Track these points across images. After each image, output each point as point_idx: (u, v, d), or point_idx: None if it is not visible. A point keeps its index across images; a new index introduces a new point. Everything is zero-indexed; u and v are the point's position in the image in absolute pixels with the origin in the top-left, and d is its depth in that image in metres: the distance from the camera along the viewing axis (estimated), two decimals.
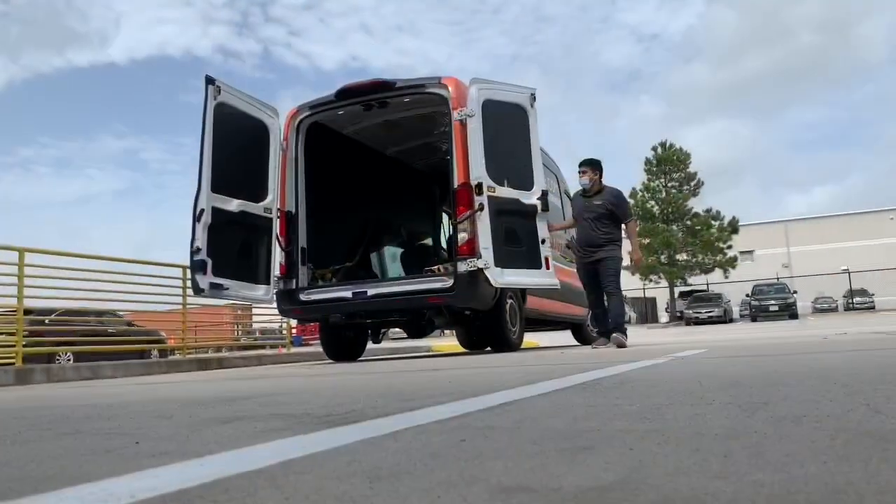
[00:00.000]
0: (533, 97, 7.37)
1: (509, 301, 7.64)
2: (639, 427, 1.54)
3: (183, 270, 9.76)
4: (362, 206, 9.52)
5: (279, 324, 15.78)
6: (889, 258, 50.33)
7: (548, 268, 7.17)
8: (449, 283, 7.00)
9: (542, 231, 7.19)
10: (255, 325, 21.12)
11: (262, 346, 17.37)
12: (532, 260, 7.12)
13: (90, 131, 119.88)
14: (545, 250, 7.17)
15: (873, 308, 42.58)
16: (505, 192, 7.06)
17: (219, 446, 1.59)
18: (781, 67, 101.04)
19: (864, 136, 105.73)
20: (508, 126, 7.30)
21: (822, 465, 1.06)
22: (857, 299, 43.52)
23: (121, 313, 13.20)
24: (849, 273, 40.84)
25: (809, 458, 1.11)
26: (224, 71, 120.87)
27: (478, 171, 6.90)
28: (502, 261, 6.91)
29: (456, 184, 7.05)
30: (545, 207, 7.21)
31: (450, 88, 7.20)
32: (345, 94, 7.72)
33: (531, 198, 7.14)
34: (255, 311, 17.35)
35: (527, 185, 7.22)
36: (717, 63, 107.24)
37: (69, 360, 13.11)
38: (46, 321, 11.30)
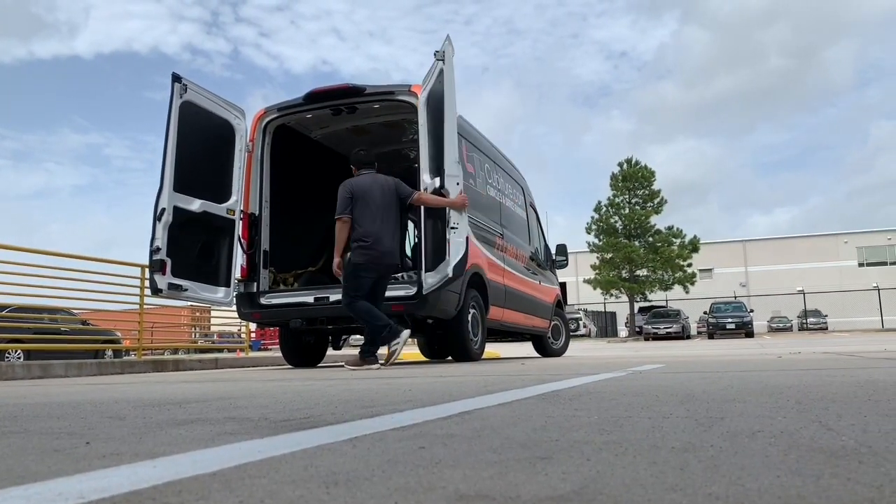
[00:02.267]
0: (437, 54, 6.36)
1: (471, 311, 7.66)
2: (597, 438, 1.55)
3: (141, 270, 9.59)
4: (327, 211, 9.44)
5: (238, 327, 15.60)
6: (842, 280, 51.77)
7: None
8: (412, 290, 6.98)
9: (454, 217, 6.35)
10: (213, 328, 20.85)
11: (220, 350, 17.16)
12: (439, 255, 6.45)
13: (50, 125, 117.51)
14: (453, 236, 6.34)
15: (826, 328, 43.67)
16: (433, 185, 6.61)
17: (172, 448, 1.55)
18: (750, 89, 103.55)
19: (825, 159, 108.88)
20: (439, 103, 6.53)
21: (776, 479, 1.07)
22: (811, 319, 44.54)
23: (75, 312, 12.89)
24: (804, 294, 41.83)
25: (763, 472, 1.13)
26: (192, 69, 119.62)
27: (424, 177, 6.78)
28: (427, 265, 6.56)
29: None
30: (442, 184, 6.40)
31: (419, 96, 7.21)
32: (314, 97, 7.68)
33: (437, 181, 6.52)
34: (213, 313, 17.15)
35: (442, 165, 6.44)
36: (688, 82, 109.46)
37: (19, 357, 12.78)
38: None
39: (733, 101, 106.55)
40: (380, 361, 6.30)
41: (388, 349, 6.40)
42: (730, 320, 32.74)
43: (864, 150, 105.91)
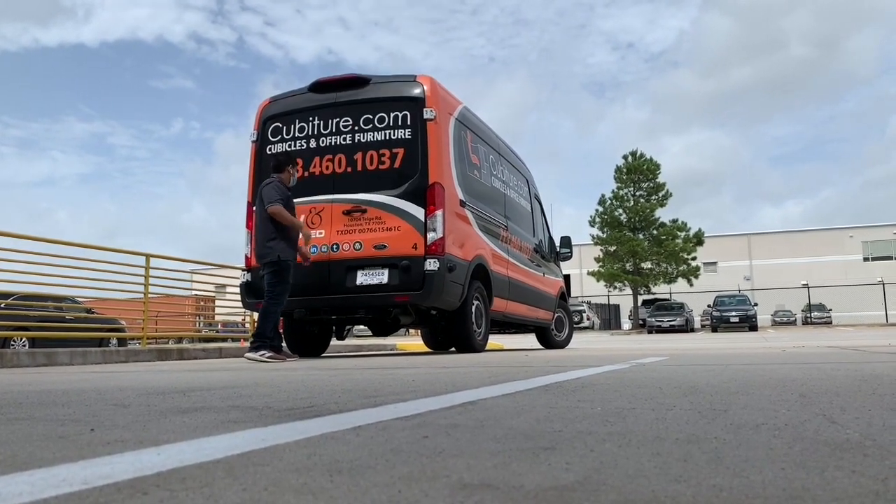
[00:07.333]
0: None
1: (475, 302, 7.65)
2: (600, 429, 1.55)
3: (146, 259, 9.61)
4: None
5: (242, 317, 15.62)
6: (847, 275, 51.59)
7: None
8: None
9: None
10: (217, 318, 20.90)
11: (224, 339, 17.19)
12: None
13: (56, 113, 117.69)
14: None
15: (830, 323, 43.50)
16: None
17: (176, 436, 1.56)
18: (768, 79, 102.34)
19: (841, 151, 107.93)
20: None
21: (780, 472, 1.07)
22: (815, 314, 44.42)
23: (80, 300, 12.92)
24: (808, 288, 41.70)
25: (767, 465, 1.13)
26: (197, 58, 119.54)
27: None
28: None
29: (428, 182, 7.04)
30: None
31: (425, 87, 7.19)
32: (319, 87, 7.66)
33: None
34: (217, 303, 17.18)
35: None
36: (706, 71, 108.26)
37: (24, 345, 12.83)
38: (2, 305, 11.03)
39: (751, 90, 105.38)
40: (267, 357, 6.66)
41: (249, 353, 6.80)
42: (733, 314, 32.68)
43: (881, 142, 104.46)
